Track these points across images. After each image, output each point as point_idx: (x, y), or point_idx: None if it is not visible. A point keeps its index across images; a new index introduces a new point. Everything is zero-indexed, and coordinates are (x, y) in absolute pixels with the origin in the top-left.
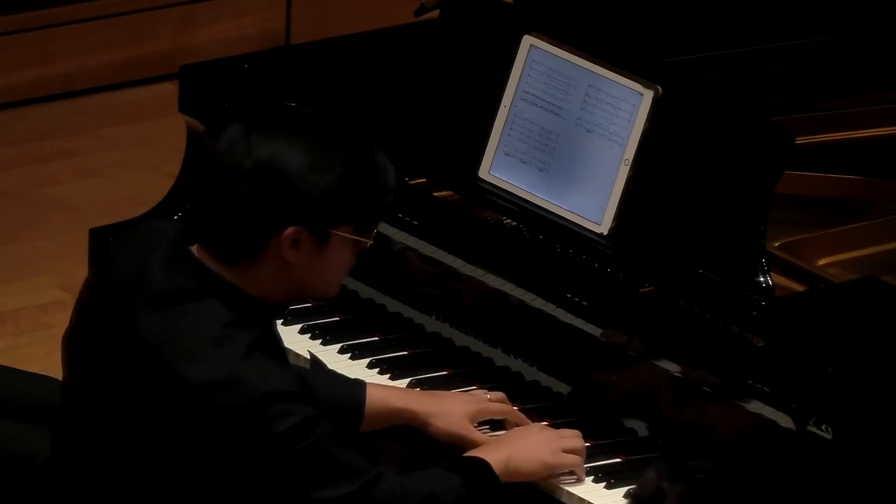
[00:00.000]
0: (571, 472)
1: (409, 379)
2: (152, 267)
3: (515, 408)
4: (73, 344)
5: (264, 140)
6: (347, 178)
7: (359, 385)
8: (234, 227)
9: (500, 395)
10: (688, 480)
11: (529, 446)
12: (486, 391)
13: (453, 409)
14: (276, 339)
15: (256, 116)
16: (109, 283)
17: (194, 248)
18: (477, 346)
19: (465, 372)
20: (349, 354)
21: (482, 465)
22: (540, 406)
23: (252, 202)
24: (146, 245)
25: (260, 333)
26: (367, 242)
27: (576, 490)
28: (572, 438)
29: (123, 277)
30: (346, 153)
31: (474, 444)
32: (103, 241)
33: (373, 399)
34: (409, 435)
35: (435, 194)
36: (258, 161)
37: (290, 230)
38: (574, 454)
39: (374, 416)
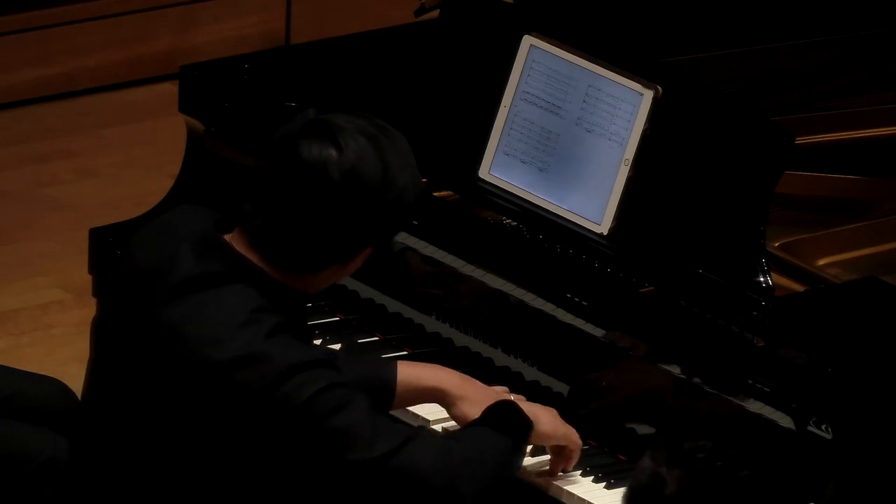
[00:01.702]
0: (577, 472)
1: None
2: (182, 254)
3: None
4: (101, 329)
5: (347, 149)
6: (415, 189)
7: (390, 363)
8: (307, 243)
9: (521, 397)
10: (687, 463)
11: (538, 408)
12: (506, 389)
13: (481, 396)
14: (304, 328)
15: (321, 121)
16: (136, 270)
17: (228, 237)
18: (477, 346)
19: (466, 372)
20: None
21: (511, 407)
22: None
23: (338, 221)
24: (174, 232)
25: (286, 319)
26: None
27: (576, 490)
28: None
29: (150, 265)
30: (413, 165)
31: None
32: (103, 241)
33: (404, 377)
34: None
35: (435, 194)
36: (346, 173)
37: (367, 251)
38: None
39: (405, 394)
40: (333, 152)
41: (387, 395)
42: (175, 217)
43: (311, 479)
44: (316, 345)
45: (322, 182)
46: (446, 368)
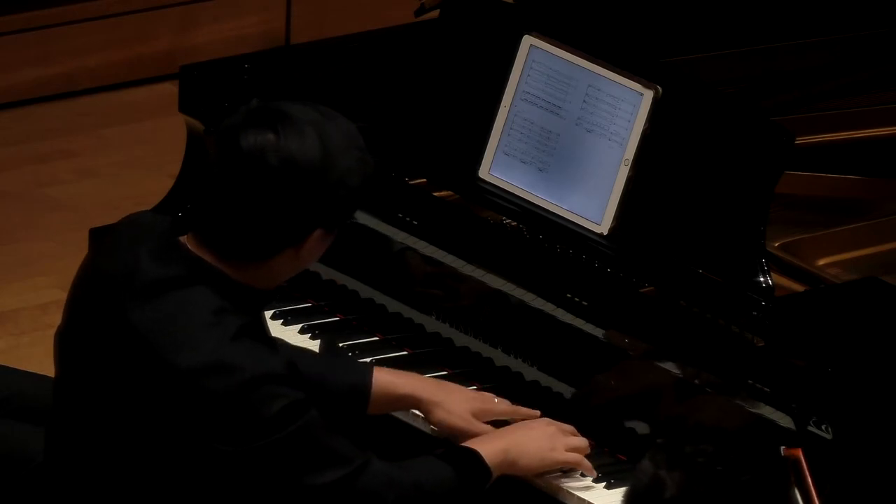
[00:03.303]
0: (577, 471)
1: None
2: (142, 258)
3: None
4: (66, 340)
5: (285, 135)
6: (361, 171)
7: (366, 368)
8: (253, 231)
9: (505, 402)
10: (687, 466)
11: (530, 439)
12: (493, 395)
13: (458, 401)
14: (264, 327)
15: (262, 109)
16: (100, 277)
17: (183, 239)
18: (477, 346)
19: (465, 372)
20: (349, 354)
21: (474, 456)
22: (540, 406)
23: (280, 206)
24: (134, 238)
25: (249, 320)
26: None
27: (575, 490)
28: (576, 437)
29: (113, 271)
30: (359, 147)
31: (474, 437)
32: None
33: (380, 383)
34: (396, 433)
35: (435, 194)
36: (284, 159)
37: (317, 233)
38: (576, 451)
39: (380, 400)
40: (272, 137)
41: (361, 401)
42: (132, 223)
43: (260, 490)
44: (277, 344)
45: (260, 168)
46: (422, 376)
